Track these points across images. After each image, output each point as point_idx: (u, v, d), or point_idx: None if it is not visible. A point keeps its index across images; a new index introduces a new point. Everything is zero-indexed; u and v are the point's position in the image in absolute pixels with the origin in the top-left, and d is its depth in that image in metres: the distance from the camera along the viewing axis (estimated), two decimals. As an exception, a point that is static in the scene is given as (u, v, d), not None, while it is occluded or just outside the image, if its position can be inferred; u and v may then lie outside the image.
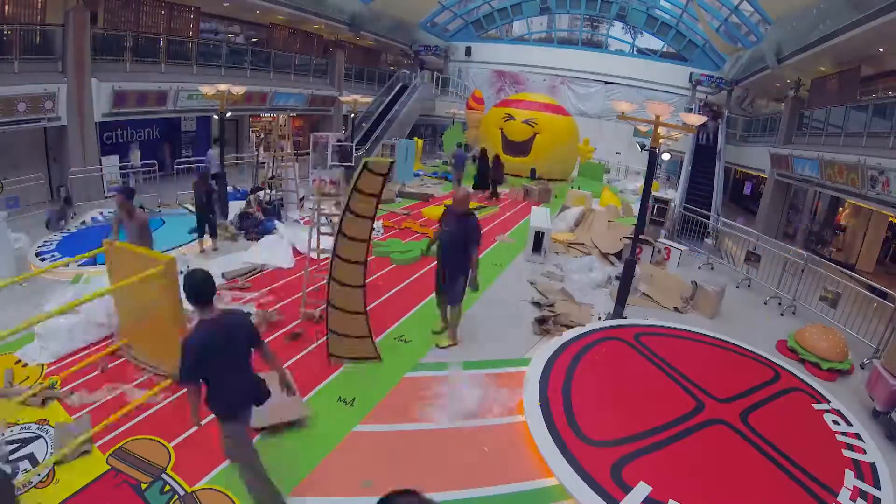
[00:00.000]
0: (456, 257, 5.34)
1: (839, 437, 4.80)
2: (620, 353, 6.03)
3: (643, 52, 24.79)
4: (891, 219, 12.39)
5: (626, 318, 6.94)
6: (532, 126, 17.46)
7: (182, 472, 3.69)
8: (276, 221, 10.03)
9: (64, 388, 4.54)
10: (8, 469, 3.56)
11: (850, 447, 4.65)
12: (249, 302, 6.56)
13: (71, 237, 8.70)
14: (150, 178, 12.13)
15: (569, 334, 6.32)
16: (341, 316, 4.97)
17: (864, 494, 4.00)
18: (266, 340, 3.43)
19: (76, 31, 10.79)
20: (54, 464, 3.66)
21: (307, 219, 11.05)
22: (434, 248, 5.66)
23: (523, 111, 17.93)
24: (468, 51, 26.24)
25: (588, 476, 3.94)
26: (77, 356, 5.09)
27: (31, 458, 3.72)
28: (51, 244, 8.22)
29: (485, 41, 26.49)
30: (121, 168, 12.38)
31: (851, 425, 5.02)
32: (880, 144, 10.15)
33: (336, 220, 7.26)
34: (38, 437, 3.94)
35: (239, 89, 10.10)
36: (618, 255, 9.72)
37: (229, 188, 11.23)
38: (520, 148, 17.64)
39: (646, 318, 7.13)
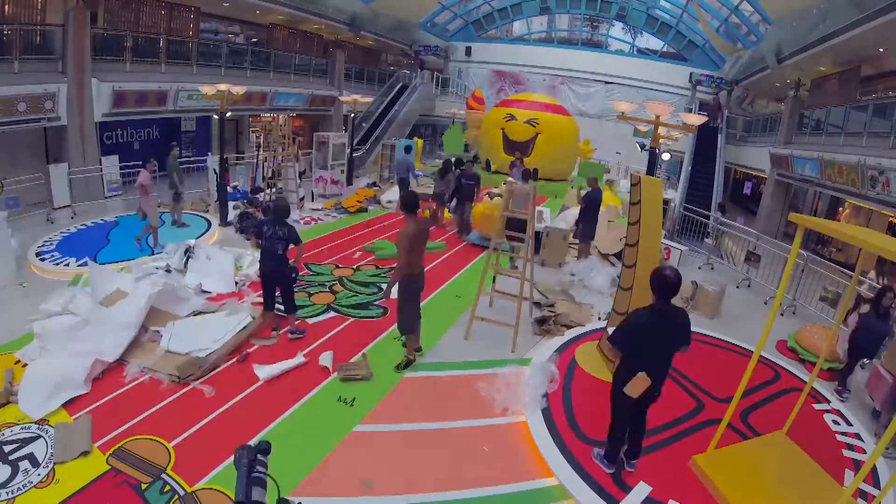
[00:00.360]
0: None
1: (839, 437, 4.80)
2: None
3: (643, 52, 24.79)
4: (891, 219, 12.39)
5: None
6: (534, 126, 17.45)
7: (182, 472, 3.69)
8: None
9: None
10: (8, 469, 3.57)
11: (850, 447, 4.66)
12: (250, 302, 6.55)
13: (71, 237, 8.71)
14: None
15: (569, 334, 6.33)
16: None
17: (864, 494, 4.00)
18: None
19: (76, 31, 10.79)
20: (54, 463, 3.67)
21: (308, 219, 11.05)
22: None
23: (525, 111, 17.91)
24: (468, 51, 26.24)
25: (588, 476, 3.95)
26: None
27: (31, 459, 3.72)
28: (51, 244, 8.22)
29: (485, 41, 26.48)
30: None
31: (851, 425, 5.02)
32: (880, 144, 10.16)
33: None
34: (38, 437, 3.94)
35: (239, 89, 10.10)
36: (618, 255, 9.71)
37: (229, 189, 11.23)
38: (521, 148, 17.63)
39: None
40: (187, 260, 7.24)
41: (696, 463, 4.05)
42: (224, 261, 7.30)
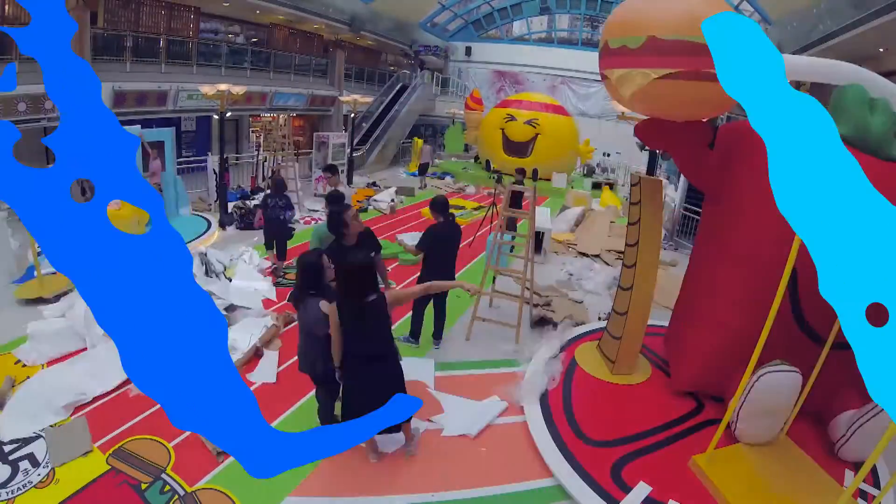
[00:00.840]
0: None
1: (839, 437, 4.80)
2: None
3: (643, 52, 24.81)
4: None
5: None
6: (534, 127, 17.45)
7: (182, 472, 3.70)
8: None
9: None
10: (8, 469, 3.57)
11: (851, 447, 4.65)
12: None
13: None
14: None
15: (569, 334, 6.32)
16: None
17: (864, 494, 4.00)
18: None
19: (76, 31, 10.80)
20: (53, 467, 3.67)
21: (308, 219, 11.06)
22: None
23: (525, 112, 17.91)
24: (468, 51, 26.27)
25: (588, 476, 3.94)
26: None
27: (31, 459, 3.72)
28: (51, 244, 8.22)
29: (485, 41, 26.51)
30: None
31: (851, 425, 5.01)
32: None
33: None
34: (38, 437, 3.94)
35: (239, 89, 10.11)
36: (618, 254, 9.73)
37: (230, 189, 11.27)
38: (520, 149, 17.65)
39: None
40: (206, 269, 7.11)
41: (696, 463, 4.05)
42: (250, 273, 7.14)
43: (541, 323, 6.52)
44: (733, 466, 4.05)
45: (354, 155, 16.53)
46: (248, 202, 10.72)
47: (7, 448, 3.80)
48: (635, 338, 5.34)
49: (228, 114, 11.41)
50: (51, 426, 4.05)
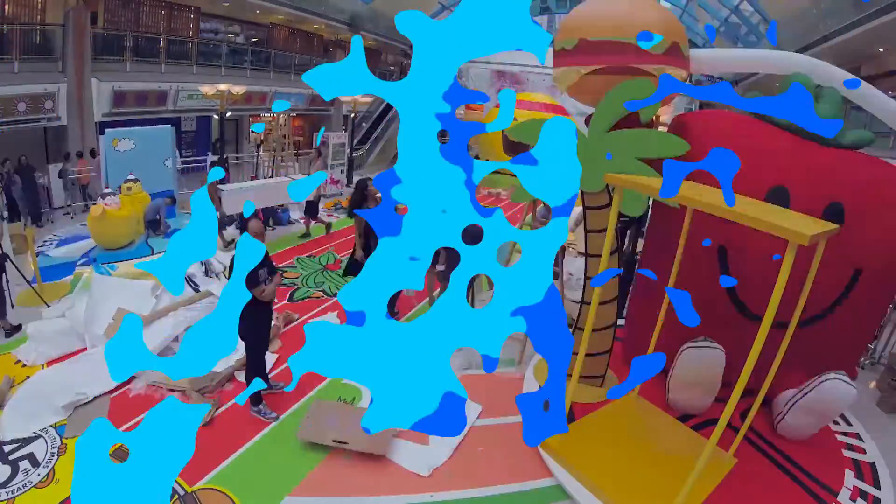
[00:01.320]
0: None
1: (839, 437, 4.79)
2: (619, 352, 6.00)
3: (643, 52, 24.78)
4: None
5: (625, 317, 6.92)
6: None
7: (182, 471, 3.67)
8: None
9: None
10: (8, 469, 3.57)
11: (850, 447, 4.65)
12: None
13: (70, 237, 8.70)
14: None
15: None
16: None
17: (864, 494, 4.00)
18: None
19: (76, 31, 10.80)
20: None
21: (306, 219, 11.05)
22: None
23: (525, 112, 17.88)
24: (468, 51, 26.27)
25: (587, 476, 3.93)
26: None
27: (31, 458, 3.72)
28: (50, 244, 8.22)
29: (485, 41, 26.50)
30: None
31: (851, 425, 5.01)
32: (880, 145, 10.17)
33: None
34: (38, 437, 3.94)
35: (239, 89, 10.13)
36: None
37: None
38: (521, 149, 17.66)
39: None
40: (206, 269, 6.97)
41: (549, 445, 3.99)
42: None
43: None
44: (587, 440, 4.04)
45: (354, 155, 16.53)
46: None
47: (7, 448, 3.80)
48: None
49: (228, 114, 11.42)
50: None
